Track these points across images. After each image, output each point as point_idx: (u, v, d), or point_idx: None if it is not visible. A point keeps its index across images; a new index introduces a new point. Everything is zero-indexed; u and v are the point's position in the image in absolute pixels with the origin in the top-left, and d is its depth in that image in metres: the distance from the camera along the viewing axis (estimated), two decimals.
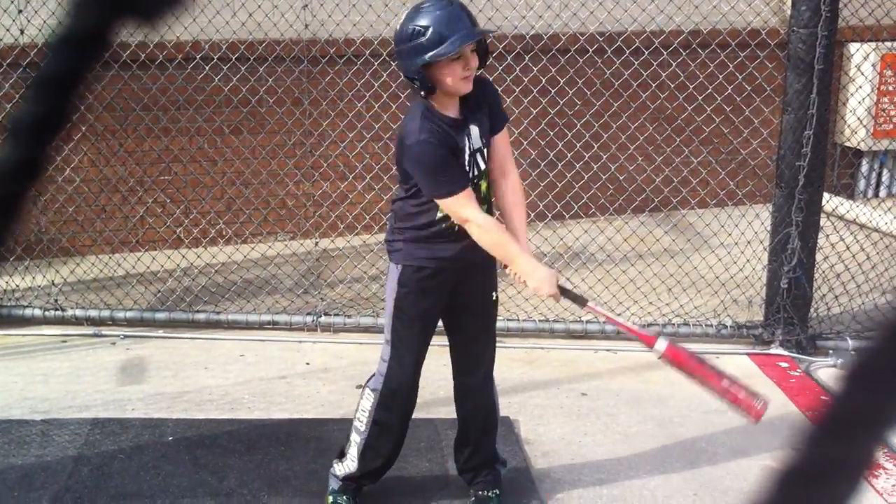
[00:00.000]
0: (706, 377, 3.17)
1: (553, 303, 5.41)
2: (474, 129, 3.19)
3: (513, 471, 3.78)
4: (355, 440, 3.45)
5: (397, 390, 3.37)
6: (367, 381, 3.46)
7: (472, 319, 3.43)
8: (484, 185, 3.27)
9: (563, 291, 3.25)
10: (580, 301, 3.36)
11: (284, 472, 3.79)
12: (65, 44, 0.50)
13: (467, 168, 3.16)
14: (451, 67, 3.02)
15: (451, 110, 3.15)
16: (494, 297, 3.43)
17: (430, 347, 3.42)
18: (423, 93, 3.07)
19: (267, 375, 4.80)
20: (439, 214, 3.19)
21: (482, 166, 3.23)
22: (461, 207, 3.07)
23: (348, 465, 3.48)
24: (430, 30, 2.97)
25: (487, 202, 3.29)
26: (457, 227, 3.18)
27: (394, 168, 3.56)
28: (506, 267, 3.21)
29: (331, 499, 3.53)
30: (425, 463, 3.84)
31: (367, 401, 3.42)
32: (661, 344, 3.20)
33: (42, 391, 4.57)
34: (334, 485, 3.54)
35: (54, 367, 4.88)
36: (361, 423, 3.43)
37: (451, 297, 3.35)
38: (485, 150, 3.23)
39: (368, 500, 3.61)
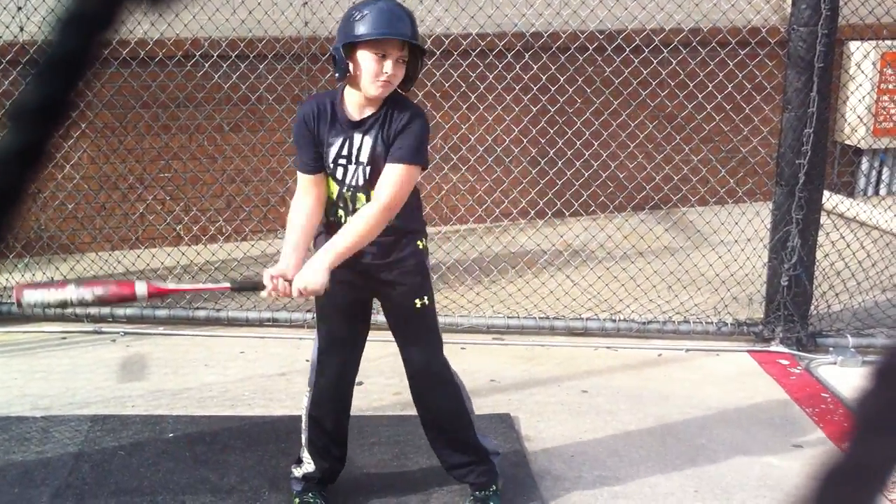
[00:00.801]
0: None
1: (553, 300, 5.44)
2: (366, 141, 3.10)
3: (513, 467, 3.78)
4: (303, 441, 3.51)
5: (324, 387, 3.40)
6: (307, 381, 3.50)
7: (397, 325, 3.40)
8: (364, 199, 3.15)
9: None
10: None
11: (285, 468, 3.78)
12: (69, 27, 0.49)
13: (333, 169, 3.14)
14: (370, 62, 2.97)
15: (353, 110, 3.10)
16: (419, 305, 3.31)
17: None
18: (336, 75, 3.04)
19: (267, 372, 4.80)
20: (327, 207, 3.21)
21: (359, 182, 3.14)
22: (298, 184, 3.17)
23: (306, 466, 3.52)
24: (366, 15, 2.97)
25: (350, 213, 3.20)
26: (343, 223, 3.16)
27: None
28: None
29: (297, 500, 3.52)
30: (425, 460, 3.84)
31: (304, 400, 3.48)
32: (141, 287, 2.99)
33: (42, 388, 4.57)
34: (297, 486, 3.55)
35: (54, 364, 4.88)
36: (303, 422, 3.49)
37: (376, 296, 3.38)
38: (367, 169, 3.12)
39: (368, 496, 3.62)
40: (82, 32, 0.49)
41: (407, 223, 3.24)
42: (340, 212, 3.21)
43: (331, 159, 3.14)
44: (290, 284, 3.01)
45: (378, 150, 3.10)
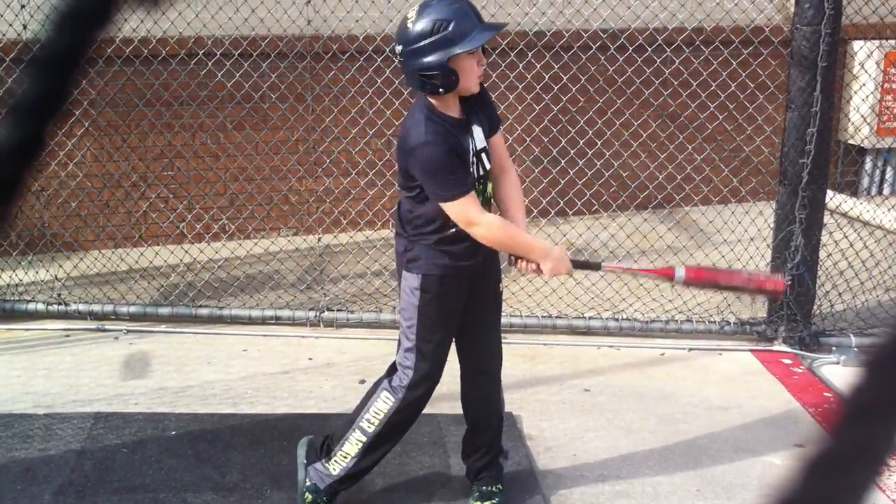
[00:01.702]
0: (728, 278, 3.31)
1: (556, 298, 5.44)
2: (477, 130, 3.17)
3: (515, 466, 3.78)
4: (359, 439, 3.35)
5: (421, 396, 3.33)
6: (382, 383, 3.36)
7: (484, 313, 3.43)
8: (489, 186, 3.26)
9: (576, 264, 3.29)
10: (594, 267, 3.47)
11: (287, 466, 3.78)
12: (66, 21, 0.49)
13: (472, 169, 3.14)
14: (471, 63, 3.02)
15: (454, 111, 3.13)
16: (501, 288, 3.47)
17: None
18: (441, 89, 3.01)
19: (270, 370, 4.81)
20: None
21: (487, 166, 3.21)
22: (467, 210, 3.03)
23: (339, 462, 3.38)
24: (453, 23, 2.95)
25: (491, 202, 3.30)
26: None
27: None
28: (517, 261, 3.19)
29: (309, 497, 3.42)
30: (427, 458, 3.84)
31: (385, 403, 3.31)
32: (680, 271, 3.26)
33: (45, 385, 4.58)
34: (319, 483, 3.41)
35: (57, 362, 4.88)
36: (372, 424, 3.33)
37: (470, 291, 3.35)
38: (487, 153, 3.22)
39: (371, 495, 3.62)
40: (78, 29, 0.49)
41: None
42: None
43: (470, 163, 3.17)
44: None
45: (486, 132, 3.23)
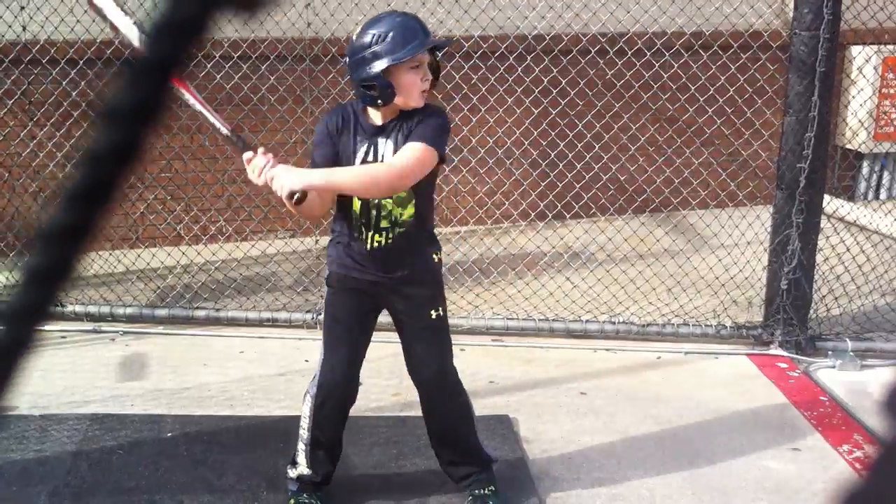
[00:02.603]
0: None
1: (552, 301, 5.44)
2: (388, 144, 3.16)
3: (511, 469, 3.78)
4: (301, 447, 3.49)
5: (330, 391, 3.39)
6: (308, 387, 3.49)
7: (412, 336, 3.41)
8: (389, 205, 3.19)
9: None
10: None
11: (283, 468, 3.77)
12: (164, 31, 0.51)
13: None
14: (409, 76, 3.05)
15: (377, 118, 3.17)
16: (435, 316, 3.36)
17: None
18: (379, 101, 3.07)
19: (266, 372, 4.81)
20: (349, 225, 3.24)
21: None
22: None
23: (301, 468, 3.51)
24: (391, 34, 3.02)
25: (397, 225, 3.22)
26: (368, 243, 3.21)
27: None
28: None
29: (292, 501, 3.52)
30: (423, 461, 3.84)
31: (307, 406, 3.45)
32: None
33: (41, 387, 4.57)
34: (292, 486, 3.55)
35: (53, 363, 4.88)
36: (304, 429, 3.46)
37: (388, 307, 3.40)
38: None
39: (366, 498, 3.62)
40: (176, 37, 0.51)
41: (423, 235, 3.32)
42: (363, 228, 3.22)
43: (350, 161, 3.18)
44: (271, 169, 2.99)
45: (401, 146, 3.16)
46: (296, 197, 2.99)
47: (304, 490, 3.53)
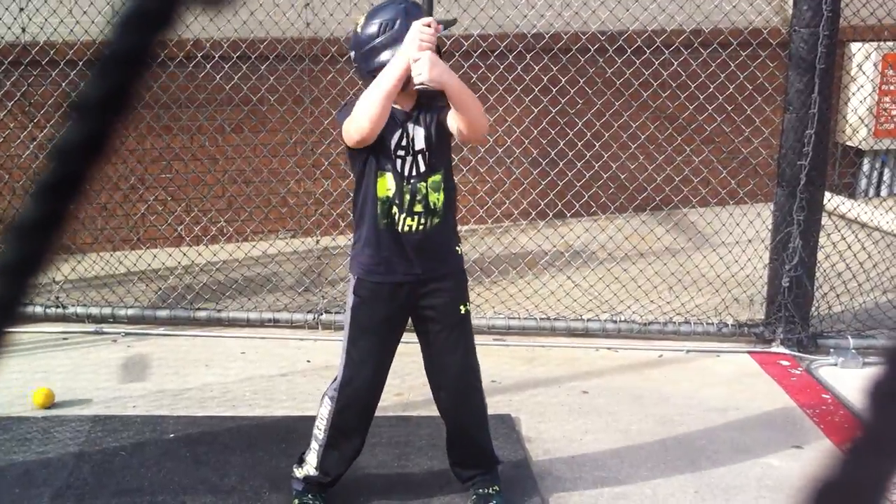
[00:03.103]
0: None
1: (554, 300, 5.44)
2: (419, 131, 3.16)
3: (514, 468, 3.78)
4: (314, 447, 3.46)
5: (353, 399, 3.36)
6: (327, 388, 3.46)
7: (440, 333, 3.36)
8: (424, 189, 3.17)
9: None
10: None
11: (285, 469, 3.78)
12: (129, 22, 0.51)
13: (392, 162, 3.14)
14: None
15: (402, 104, 3.15)
16: (464, 311, 3.34)
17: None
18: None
19: (268, 373, 4.81)
20: (379, 209, 3.17)
21: (422, 169, 3.18)
22: (346, 126, 3.04)
23: (308, 468, 3.49)
24: (398, 22, 3.03)
25: (432, 213, 3.20)
26: (400, 226, 3.16)
27: None
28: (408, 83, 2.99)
29: (297, 501, 3.51)
30: (426, 461, 3.84)
31: (325, 408, 3.41)
32: None
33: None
34: (297, 486, 3.53)
35: (55, 365, 4.88)
36: (320, 430, 3.42)
37: (415, 308, 3.33)
38: (426, 155, 3.18)
39: (369, 498, 3.62)
40: (141, 30, 0.51)
41: (451, 226, 3.31)
42: (395, 210, 3.17)
43: (391, 152, 3.15)
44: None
45: (432, 134, 3.17)
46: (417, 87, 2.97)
47: (309, 490, 3.52)
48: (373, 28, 3.06)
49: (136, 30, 0.51)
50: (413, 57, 2.93)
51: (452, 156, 3.40)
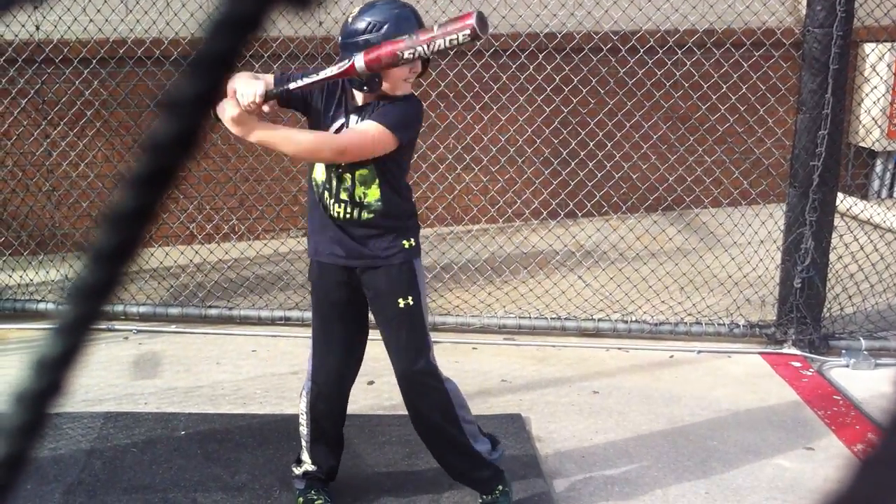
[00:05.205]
0: (414, 43, 2.90)
1: (565, 300, 5.44)
2: (353, 118, 3.15)
3: (524, 468, 3.78)
4: (303, 444, 3.51)
5: (321, 389, 3.38)
6: (303, 384, 3.49)
7: (380, 325, 3.36)
8: (349, 179, 3.15)
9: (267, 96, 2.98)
10: (280, 93, 3.05)
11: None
12: (222, 26, 0.54)
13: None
14: (399, 69, 2.99)
15: (359, 98, 3.15)
16: (403, 305, 3.26)
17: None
18: (365, 87, 3.03)
19: (279, 371, 4.82)
20: (315, 192, 3.22)
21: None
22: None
23: (305, 465, 3.53)
24: (386, 26, 2.97)
25: (359, 206, 3.17)
26: (331, 210, 3.18)
27: None
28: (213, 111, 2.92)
29: (301, 499, 3.51)
30: (434, 460, 3.84)
31: (303, 403, 3.46)
32: (359, 60, 2.92)
33: None
34: (299, 485, 3.55)
35: (83, 361, 4.89)
36: (303, 425, 3.47)
37: (361, 297, 3.33)
38: None
39: (378, 496, 3.62)
40: (232, 32, 0.54)
41: (391, 221, 3.23)
42: (326, 194, 3.19)
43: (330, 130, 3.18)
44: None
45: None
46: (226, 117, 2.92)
47: (312, 486, 3.53)
48: (361, 24, 3.01)
49: (229, 32, 0.53)
50: (229, 110, 2.90)
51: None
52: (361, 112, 3.13)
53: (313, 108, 3.19)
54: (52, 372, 0.59)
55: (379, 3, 3.06)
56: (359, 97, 3.14)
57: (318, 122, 3.18)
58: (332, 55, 6.21)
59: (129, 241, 0.57)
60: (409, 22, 3.01)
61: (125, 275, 0.58)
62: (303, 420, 3.48)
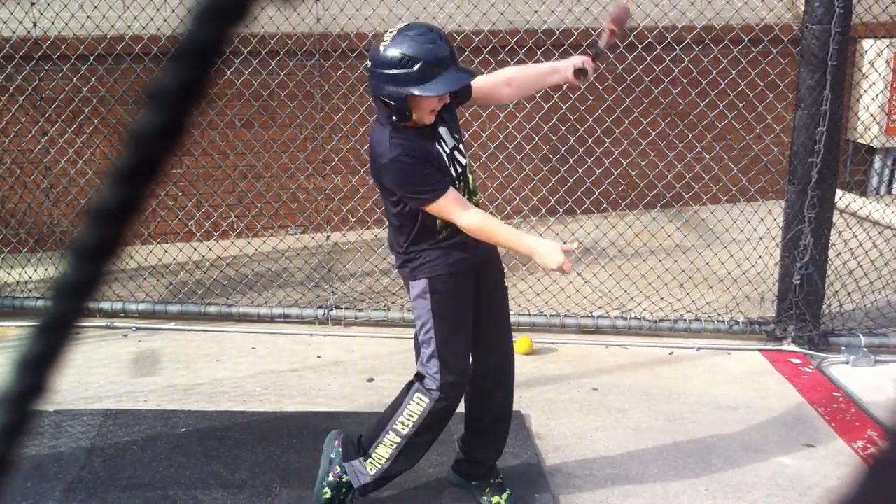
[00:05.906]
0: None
1: (564, 297, 5.44)
2: (443, 131, 3.16)
3: (524, 465, 3.78)
4: (393, 441, 3.33)
5: (453, 398, 3.29)
6: (414, 386, 3.32)
7: (495, 300, 3.42)
8: (471, 178, 3.26)
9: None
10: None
11: (296, 464, 3.80)
12: (206, 16, 0.53)
13: (449, 169, 3.13)
14: (430, 102, 2.98)
15: (426, 118, 3.09)
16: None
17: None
18: (394, 118, 2.99)
19: (278, 368, 4.82)
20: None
21: (462, 161, 3.20)
22: (448, 208, 3.03)
23: (375, 463, 3.36)
24: (420, 63, 2.89)
25: (477, 193, 3.30)
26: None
27: None
28: None
29: (329, 493, 3.42)
30: (436, 456, 3.84)
31: (419, 405, 3.28)
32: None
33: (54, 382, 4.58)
34: (363, 479, 3.38)
35: (66, 359, 4.89)
36: (406, 426, 3.30)
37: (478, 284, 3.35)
38: (460, 146, 3.22)
39: (379, 494, 3.62)
40: (217, 22, 0.54)
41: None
42: (468, 195, 3.22)
43: (446, 164, 3.14)
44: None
45: (453, 126, 3.22)
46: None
47: (377, 486, 3.40)
48: (394, 53, 2.92)
49: (211, 23, 0.53)
50: (548, 266, 3.14)
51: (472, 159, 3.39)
52: (435, 125, 3.15)
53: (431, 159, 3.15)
54: (35, 371, 0.58)
55: (414, 35, 2.94)
56: (424, 118, 3.07)
57: (438, 161, 3.15)
58: (331, 52, 6.22)
59: (112, 238, 0.56)
60: (441, 61, 2.93)
61: (108, 272, 0.57)
62: (411, 422, 3.31)
